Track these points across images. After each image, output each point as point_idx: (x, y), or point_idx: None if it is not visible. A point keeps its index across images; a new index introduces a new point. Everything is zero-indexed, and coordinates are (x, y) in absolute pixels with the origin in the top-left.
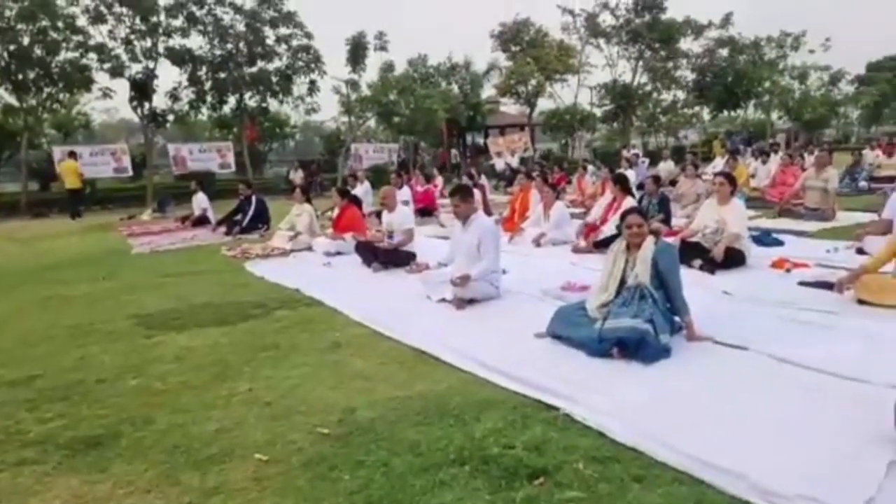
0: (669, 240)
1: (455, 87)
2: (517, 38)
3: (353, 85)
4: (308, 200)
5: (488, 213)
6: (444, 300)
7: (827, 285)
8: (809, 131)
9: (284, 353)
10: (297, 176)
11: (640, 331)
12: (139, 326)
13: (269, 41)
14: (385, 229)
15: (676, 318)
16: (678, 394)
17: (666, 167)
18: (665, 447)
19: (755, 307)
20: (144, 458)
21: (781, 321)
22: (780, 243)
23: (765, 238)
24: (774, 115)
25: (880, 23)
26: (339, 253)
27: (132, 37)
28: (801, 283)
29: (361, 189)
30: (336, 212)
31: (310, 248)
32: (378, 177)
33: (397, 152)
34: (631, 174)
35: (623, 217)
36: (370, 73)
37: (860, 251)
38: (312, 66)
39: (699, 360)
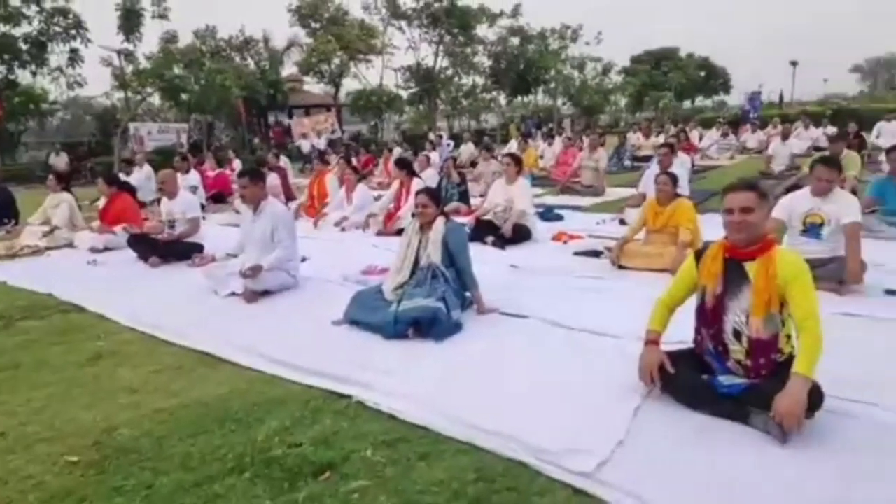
0: (466, 219)
1: (251, 63)
2: (316, 15)
3: (128, 56)
4: (67, 189)
5: (291, 197)
6: (233, 294)
7: (595, 253)
8: (589, 116)
9: (27, 371)
10: (60, 160)
11: (432, 309)
12: None
13: (14, 1)
14: (165, 218)
15: (468, 294)
16: (466, 367)
17: (467, 149)
18: (451, 421)
19: (537, 278)
20: None
21: (558, 289)
22: (560, 218)
23: (547, 214)
24: (560, 101)
25: (641, 19)
26: (107, 249)
27: None
28: (576, 254)
29: (141, 174)
30: (103, 202)
31: (71, 245)
32: (166, 160)
33: (187, 133)
34: (434, 155)
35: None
36: (149, 45)
37: (622, 222)
38: (73, 32)
39: (486, 332)
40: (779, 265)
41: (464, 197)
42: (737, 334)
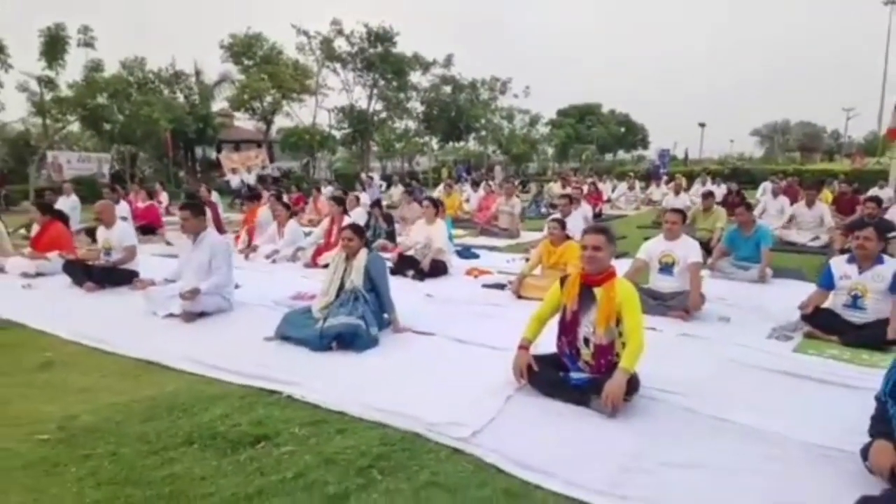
0: (390, 255)
1: (180, 96)
2: (249, 52)
3: (49, 83)
4: None
5: (221, 231)
6: (171, 315)
7: (500, 286)
8: (517, 164)
9: None
10: None
11: (353, 325)
12: None
13: None
14: (102, 246)
15: (385, 316)
16: (380, 370)
17: (397, 191)
18: (363, 407)
19: (448, 305)
20: None
21: (464, 314)
22: (476, 256)
23: (465, 252)
24: (490, 149)
25: (568, 76)
26: (39, 274)
27: None
28: (484, 286)
29: (68, 203)
30: (36, 229)
31: (1, 270)
32: (87, 190)
33: (109, 163)
34: (365, 196)
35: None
36: (73, 73)
37: (527, 261)
38: None
39: (399, 346)
40: (617, 290)
41: (391, 236)
42: (586, 341)
